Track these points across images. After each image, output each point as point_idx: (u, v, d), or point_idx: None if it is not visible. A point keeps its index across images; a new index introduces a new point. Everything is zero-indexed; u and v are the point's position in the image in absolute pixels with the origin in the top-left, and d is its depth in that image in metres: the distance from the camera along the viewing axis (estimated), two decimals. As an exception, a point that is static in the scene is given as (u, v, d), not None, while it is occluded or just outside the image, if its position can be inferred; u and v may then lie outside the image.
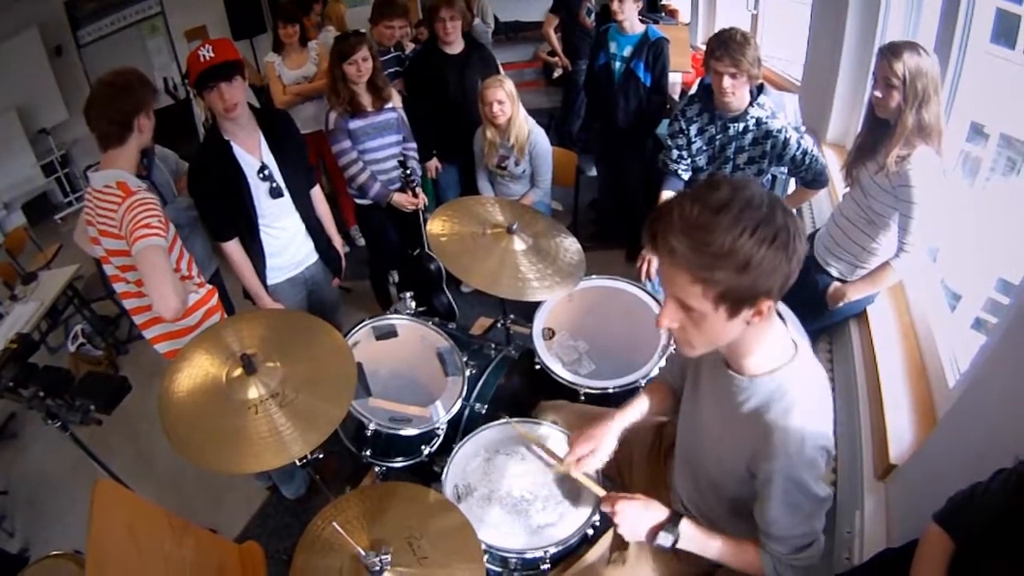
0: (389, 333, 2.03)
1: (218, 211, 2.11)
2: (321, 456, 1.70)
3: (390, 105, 2.80)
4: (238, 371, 1.41)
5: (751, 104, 2.18)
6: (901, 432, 1.61)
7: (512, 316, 2.47)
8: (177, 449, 1.31)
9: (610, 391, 1.84)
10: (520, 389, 2.07)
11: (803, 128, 2.24)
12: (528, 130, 2.91)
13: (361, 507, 1.37)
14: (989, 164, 2.11)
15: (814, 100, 2.93)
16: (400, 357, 2.08)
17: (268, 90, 3.85)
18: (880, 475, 1.59)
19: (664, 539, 1.22)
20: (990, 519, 0.99)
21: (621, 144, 3.44)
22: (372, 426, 1.75)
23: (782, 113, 2.26)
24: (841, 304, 1.96)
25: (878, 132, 1.83)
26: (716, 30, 2.18)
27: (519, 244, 2.02)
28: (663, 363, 1.87)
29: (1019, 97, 1.96)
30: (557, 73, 5.06)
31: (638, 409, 1.47)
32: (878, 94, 1.76)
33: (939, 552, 1.05)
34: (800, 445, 1.04)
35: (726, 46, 2.03)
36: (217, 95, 1.90)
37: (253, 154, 2.05)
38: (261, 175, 2.06)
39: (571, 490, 1.50)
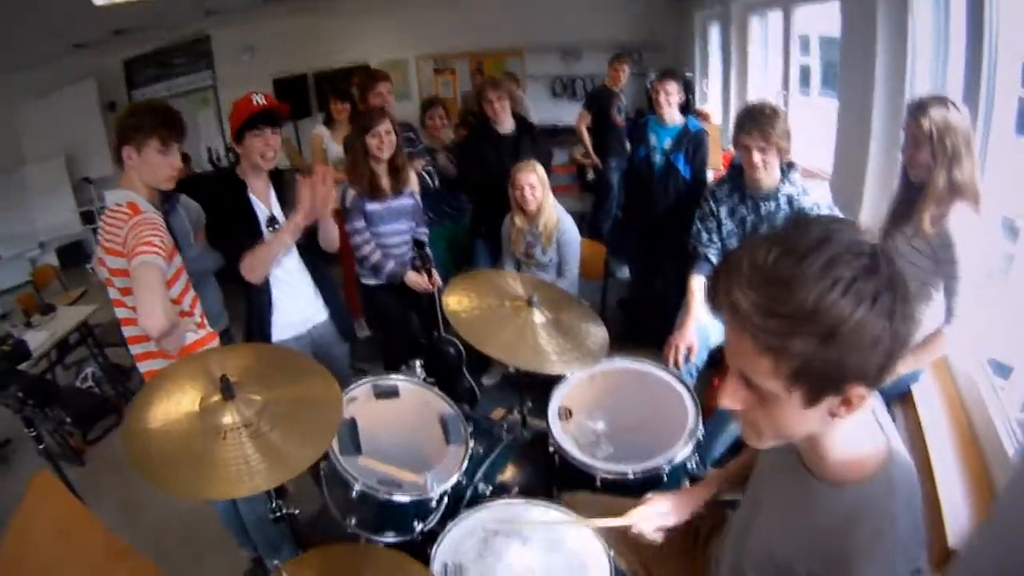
0: (390, 392, 1.91)
1: (235, 246, 2.06)
2: (297, 512, 1.55)
3: (408, 190, 2.79)
4: (216, 396, 1.32)
5: (782, 181, 2.12)
6: (957, 513, 1.42)
7: (530, 404, 2.23)
8: (132, 461, 1.21)
9: (629, 476, 1.64)
10: (531, 472, 1.88)
11: (835, 209, 2.16)
12: (557, 217, 2.87)
13: (322, 569, 1.23)
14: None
15: (845, 188, 2.88)
16: (400, 420, 1.93)
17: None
18: (936, 563, 1.38)
19: None
20: None
21: (657, 240, 3.36)
22: (357, 487, 1.59)
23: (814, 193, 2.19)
24: (887, 384, 1.79)
25: (912, 195, 1.73)
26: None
27: (539, 317, 1.93)
28: (689, 449, 1.69)
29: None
30: (591, 176, 5.05)
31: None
32: (907, 153, 1.69)
33: None
34: (887, 572, 0.82)
35: (755, 119, 2.01)
36: (263, 140, 1.97)
37: (263, 203, 2.09)
38: (271, 227, 2.07)
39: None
